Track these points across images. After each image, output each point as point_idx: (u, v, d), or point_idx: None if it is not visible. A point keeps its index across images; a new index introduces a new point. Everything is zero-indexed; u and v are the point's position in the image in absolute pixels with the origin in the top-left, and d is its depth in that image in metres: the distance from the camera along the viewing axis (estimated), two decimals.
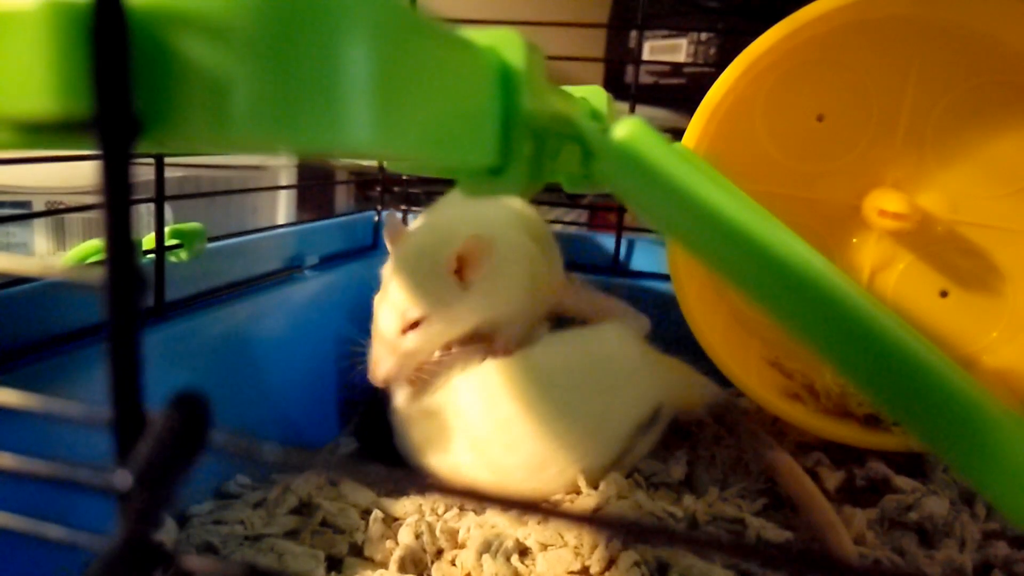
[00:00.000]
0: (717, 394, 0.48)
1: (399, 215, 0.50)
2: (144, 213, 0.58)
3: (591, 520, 0.12)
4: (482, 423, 0.43)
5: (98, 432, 0.12)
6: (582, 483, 0.42)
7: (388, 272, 0.47)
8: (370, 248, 0.64)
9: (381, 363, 0.45)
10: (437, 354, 0.47)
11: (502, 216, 0.51)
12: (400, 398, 0.48)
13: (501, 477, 0.43)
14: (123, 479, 0.11)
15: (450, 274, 0.45)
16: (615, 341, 0.47)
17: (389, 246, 0.49)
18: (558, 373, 0.44)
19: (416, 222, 0.52)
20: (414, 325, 0.45)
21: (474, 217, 0.49)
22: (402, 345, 0.45)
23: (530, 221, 0.54)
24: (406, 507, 0.42)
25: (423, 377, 0.47)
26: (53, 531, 0.13)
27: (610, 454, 0.44)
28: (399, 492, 0.44)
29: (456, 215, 0.50)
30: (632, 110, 0.62)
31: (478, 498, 0.12)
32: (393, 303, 0.45)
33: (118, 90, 0.10)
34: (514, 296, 0.48)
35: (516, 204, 0.54)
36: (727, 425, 0.47)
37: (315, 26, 0.12)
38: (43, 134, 0.11)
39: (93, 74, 0.10)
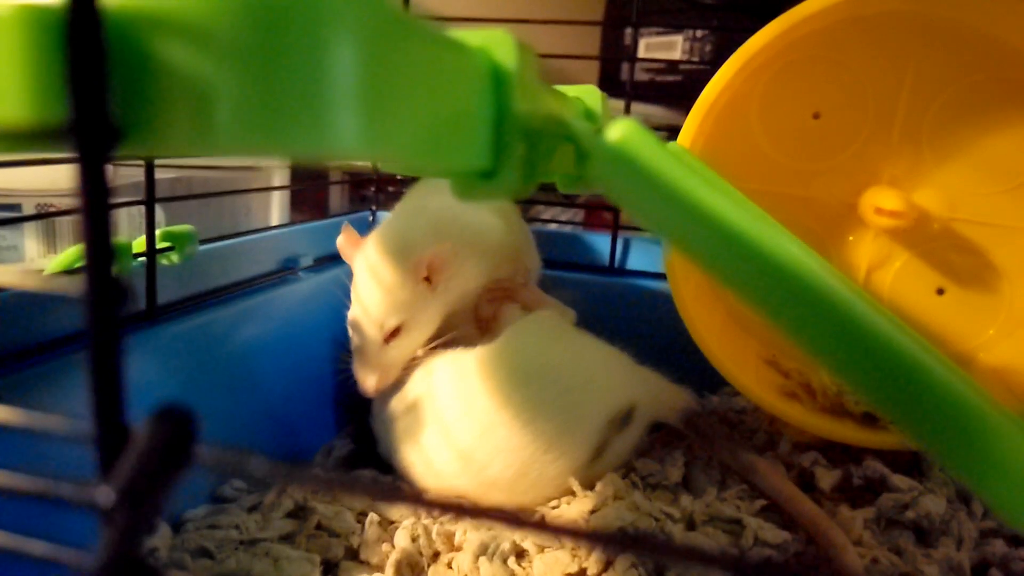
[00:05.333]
0: (691, 402, 0.48)
1: (351, 227, 0.51)
2: (135, 215, 0.58)
3: (580, 534, 0.12)
4: (462, 431, 0.43)
5: (82, 445, 0.12)
6: (576, 486, 0.42)
7: (356, 285, 0.49)
8: None
9: (368, 376, 0.47)
10: (420, 351, 0.49)
11: (456, 210, 0.52)
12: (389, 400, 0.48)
13: (487, 484, 0.42)
14: (105, 495, 0.11)
15: (420, 282, 0.47)
16: (554, 324, 0.49)
17: (348, 258, 0.50)
18: (529, 369, 0.44)
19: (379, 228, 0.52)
20: (394, 334, 0.47)
21: (433, 218, 0.51)
22: (387, 355, 0.47)
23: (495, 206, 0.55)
24: (402, 510, 0.42)
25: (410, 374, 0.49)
26: (36, 547, 0.13)
27: (585, 451, 0.43)
28: (392, 499, 0.44)
29: (414, 220, 0.51)
30: (627, 108, 0.62)
31: (471, 512, 0.12)
32: (370, 316, 0.47)
33: (94, 97, 0.10)
34: (477, 283, 0.52)
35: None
36: (701, 434, 0.47)
37: (300, 28, 0.12)
38: (18, 141, 0.11)
39: (68, 80, 0.10)
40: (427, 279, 0.48)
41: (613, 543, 0.11)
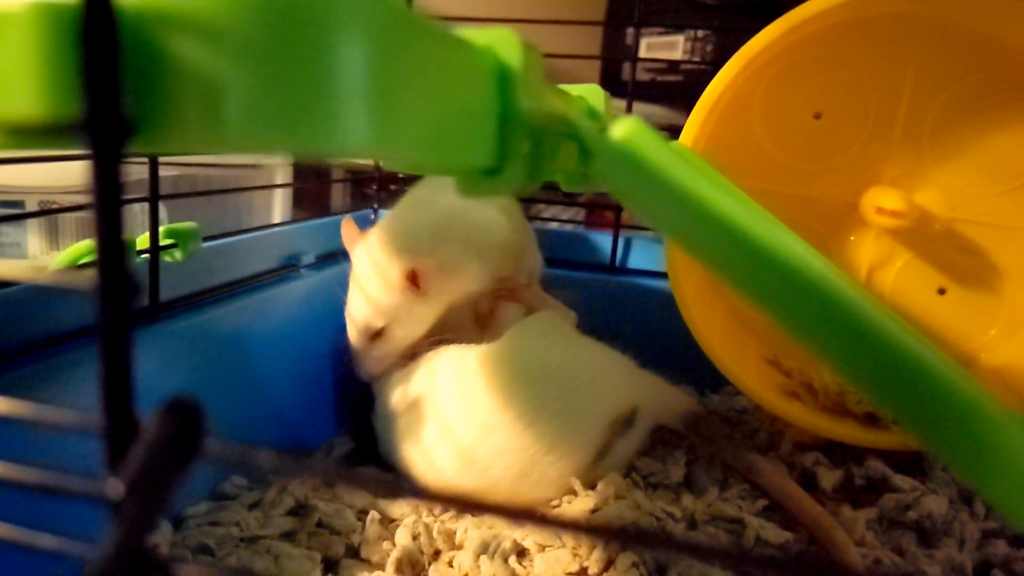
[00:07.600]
0: (693, 404, 0.48)
1: (353, 222, 0.52)
2: (139, 212, 0.58)
3: (583, 528, 0.12)
4: (463, 431, 0.43)
5: (90, 438, 0.12)
6: (577, 485, 0.42)
7: (351, 280, 0.50)
8: None
9: (362, 363, 0.50)
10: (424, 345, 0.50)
11: (461, 208, 0.52)
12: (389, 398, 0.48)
13: (488, 485, 0.42)
14: (115, 488, 0.11)
15: (404, 290, 0.48)
16: (556, 325, 0.49)
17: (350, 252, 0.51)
18: (531, 370, 0.44)
19: (382, 222, 0.52)
20: (378, 334, 0.49)
21: (437, 216, 0.50)
22: (372, 351, 0.49)
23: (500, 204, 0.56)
24: (403, 508, 0.42)
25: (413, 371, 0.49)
26: (43, 540, 0.13)
27: (587, 453, 0.43)
28: (395, 494, 0.44)
29: (418, 217, 0.51)
30: (629, 107, 0.62)
31: (473, 506, 0.12)
32: (355, 316, 0.49)
33: (108, 92, 0.10)
34: (480, 282, 0.51)
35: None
36: (703, 436, 0.47)
37: (310, 26, 0.12)
38: (32, 136, 0.11)
39: (82, 76, 0.10)
40: (416, 285, 0.48)
41: (616, 537, 0.11)
